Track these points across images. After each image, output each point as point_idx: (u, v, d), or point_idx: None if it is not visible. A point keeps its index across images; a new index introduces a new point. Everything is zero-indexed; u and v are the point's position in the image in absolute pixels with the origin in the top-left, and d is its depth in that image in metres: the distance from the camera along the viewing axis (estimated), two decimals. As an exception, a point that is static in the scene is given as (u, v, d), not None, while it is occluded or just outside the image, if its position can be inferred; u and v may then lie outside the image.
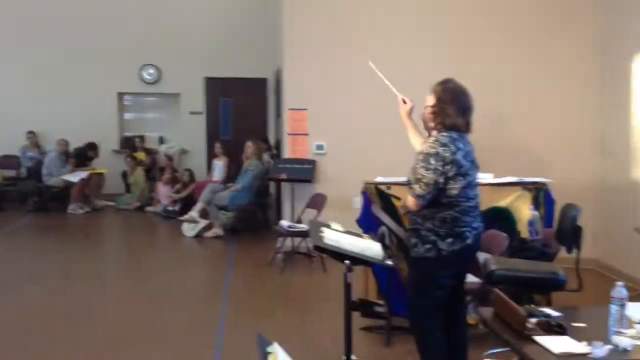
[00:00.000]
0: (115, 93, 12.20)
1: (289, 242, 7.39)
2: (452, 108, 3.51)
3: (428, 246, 3.51)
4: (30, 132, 11.55)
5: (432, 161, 3.42)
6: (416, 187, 3.49)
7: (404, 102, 3.93)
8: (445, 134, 3.50)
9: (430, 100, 3.59)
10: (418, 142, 3.78)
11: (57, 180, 10.84)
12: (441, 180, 3.44)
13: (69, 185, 10.81)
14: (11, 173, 11.52)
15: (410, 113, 3.91)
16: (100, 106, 12.02)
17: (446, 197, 3.48)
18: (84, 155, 11.22)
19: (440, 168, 3.42)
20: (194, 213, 8.93)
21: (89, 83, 11.94)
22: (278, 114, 10.08)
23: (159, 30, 12.02)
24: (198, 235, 8.82)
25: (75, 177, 10.82)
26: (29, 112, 11.72)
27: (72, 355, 4.61)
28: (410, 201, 3.56)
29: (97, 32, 11.88)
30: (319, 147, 7.62)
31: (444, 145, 3.45)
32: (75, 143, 11.29)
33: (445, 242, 3.48)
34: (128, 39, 11.94)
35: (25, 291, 6.23)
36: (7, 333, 5.02)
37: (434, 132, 3.58)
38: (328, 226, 3.50)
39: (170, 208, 10.37)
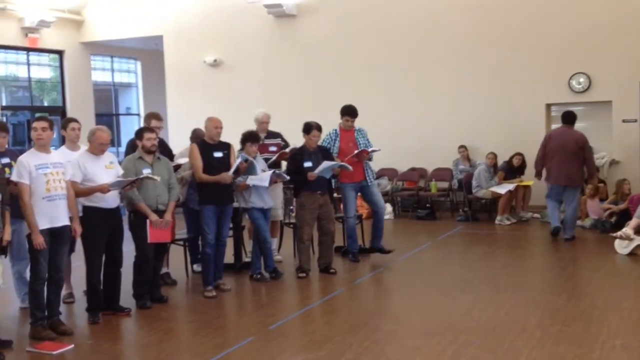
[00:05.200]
0: (544, 104, 12.06)
1: None
2: None
3: None
4: (462, 146, 12.24)
5: None
6: None
7: None
8: None
9: None
10: None
11: (486, 192, 11.26)
12: None
13: (496, 197, 11.14)
14: (444, 185, 12.39)
15: None
16: (528, 118, 12.02)
17: None
18: (512, 168, 11.40)
19: None
20: (628, 230, 8.27)
21: (518, 96, 12.06)
22: None
23: (589, 36, 11.48)
24: (632, 253, 8.13)
25: (503, 189, 11.08)
26: (460, 127, 12.38)
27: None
28: None
29: (525, 44, 11.96)
30: None
31: None
32: (503, 156, 11.55)
33: None
34: (558, 49, 11.71)
35: (455, 299, 6.58)
36: (441, 337, 5.35)
37: None
38: None
39: (601, 219, 9.90)
